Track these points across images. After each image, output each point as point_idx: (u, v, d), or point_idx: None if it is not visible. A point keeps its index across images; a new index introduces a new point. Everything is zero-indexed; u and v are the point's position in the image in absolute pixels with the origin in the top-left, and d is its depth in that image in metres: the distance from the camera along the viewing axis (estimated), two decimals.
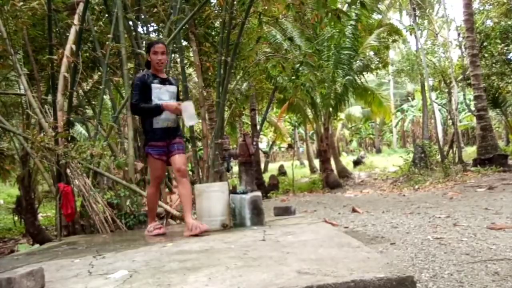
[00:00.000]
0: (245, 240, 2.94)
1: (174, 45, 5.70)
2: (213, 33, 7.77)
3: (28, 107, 5.36)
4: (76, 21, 4.95)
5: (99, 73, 7.31)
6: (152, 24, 7.11)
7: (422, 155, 12.90)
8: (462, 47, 14.97)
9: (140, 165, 5.00)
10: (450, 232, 4.46)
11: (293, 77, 9.68)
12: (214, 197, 3.68)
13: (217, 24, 7.78)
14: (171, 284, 1.89)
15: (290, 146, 33.63)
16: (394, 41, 15.86)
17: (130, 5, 5.56)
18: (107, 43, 5.06)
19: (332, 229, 3.34)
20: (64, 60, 4.80)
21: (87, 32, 5.63)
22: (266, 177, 16.52)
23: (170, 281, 1.95)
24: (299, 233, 3.06)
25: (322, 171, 14.61)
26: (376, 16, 16.22)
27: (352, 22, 12.66)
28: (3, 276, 1.75)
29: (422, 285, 2.78)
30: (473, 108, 13.61)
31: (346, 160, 23.96)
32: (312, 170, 22.06)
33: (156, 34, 7.35)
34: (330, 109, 13.90)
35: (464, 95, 17.03)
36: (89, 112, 8.14)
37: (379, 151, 36.67)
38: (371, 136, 43.18)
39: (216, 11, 7.17)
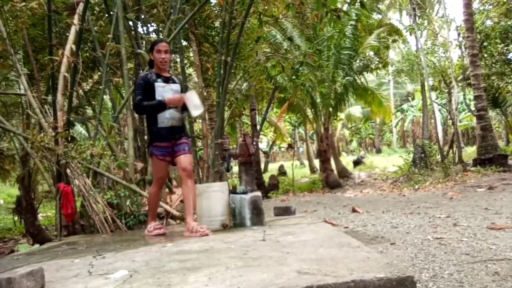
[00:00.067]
0: (245, 240, 2.94)
1: (174, 45, 5.70)
2: (213, 33, 7.79)
3: (28, 107, 5.36)
4: (76, 21, 4.95)
5: (99, 73, 7.31)
6: (152, 24, 7.12)
7: (422, 155, 12.89)
8: (462, 47, 14.97)
9: (140, 165, 5.00)
10: (450, 232, 4.46)
11: (293, 77, 9.67)
12: (214, 197, 3.68)
13: (217, 24, 7.79)
14: (171, 284, 1.89)
15: (290, 146, 33.59)
16: (394, 41, 15.87)
17: (130, 5, 5.57)
18: (107, 43, 5.05)
19: (332, 229, 3.34)
20: (64, 60, 4.79)
21: (87, 32, 5.64)
22: (266, 177, 16.51)
23: (170, 281, 1.95)
24: (299, 233, 3.06)
25: (322, 171, 14.61)
26: (376, 16, 16.25)
27: (352, 22, 12.65)
28: (3, 276, 1.75)
29: (422, 285, 2.78)
30: (473, 108, 13.60)
31: (346, 160, 23.95)
32: (312, 170, 22.06)
33: (156, 34, 7.36)
34: (330, 109, 13.90)
35: (464, 95, 17.02)
36: (89, 112, 8.14)
37: (379, 151, 36.65)
38: (371, 136, 43.17)
39: (216, 11, 7.19)
